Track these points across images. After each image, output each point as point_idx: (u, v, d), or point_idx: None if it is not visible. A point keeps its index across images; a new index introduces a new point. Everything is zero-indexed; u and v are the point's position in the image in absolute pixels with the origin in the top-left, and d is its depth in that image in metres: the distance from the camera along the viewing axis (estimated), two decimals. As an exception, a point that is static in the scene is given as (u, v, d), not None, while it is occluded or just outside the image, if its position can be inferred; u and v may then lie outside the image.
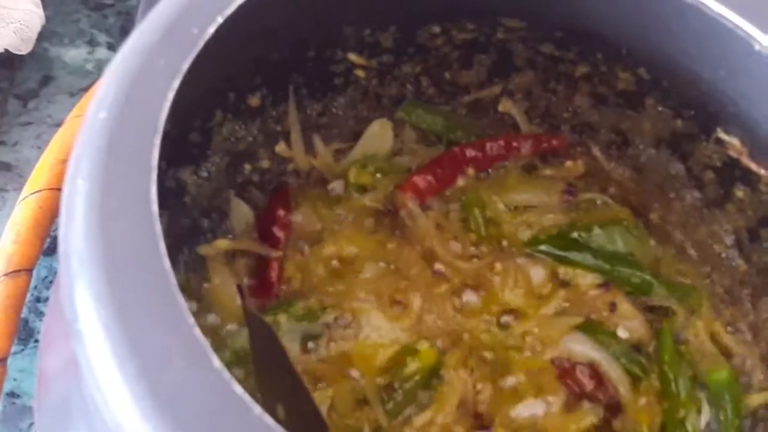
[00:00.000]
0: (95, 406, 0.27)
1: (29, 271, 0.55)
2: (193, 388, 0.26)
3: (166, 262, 0.28)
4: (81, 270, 0.28)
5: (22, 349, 0.58)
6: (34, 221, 0.56)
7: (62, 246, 0.29)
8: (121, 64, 0.32)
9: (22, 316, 0.56)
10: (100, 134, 0.30)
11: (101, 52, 0.74)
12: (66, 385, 0.34)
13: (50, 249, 0.62)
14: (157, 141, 0.30)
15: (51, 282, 0.61)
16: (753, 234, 0.47)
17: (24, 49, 0.69)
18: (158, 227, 0.29)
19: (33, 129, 0.68)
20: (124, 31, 0.75)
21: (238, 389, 0.26)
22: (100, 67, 0.72)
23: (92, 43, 0.74)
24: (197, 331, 0.27)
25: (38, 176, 0.59)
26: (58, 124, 0.64)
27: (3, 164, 0.66)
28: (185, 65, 0.32)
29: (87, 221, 0.29)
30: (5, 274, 0.54)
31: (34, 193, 0.58)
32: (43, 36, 0.72)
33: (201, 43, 0.33)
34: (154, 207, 0.29)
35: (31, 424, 0.55)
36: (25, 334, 0.59)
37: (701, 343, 0.48)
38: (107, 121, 0.31)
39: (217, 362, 0.26)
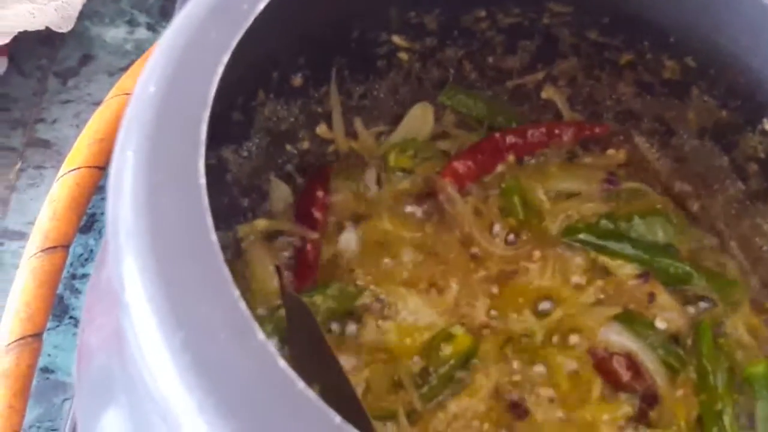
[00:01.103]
0: (139, 377, 0.27)
1: (66, 247, 0.56)
2: (237, 361, 0.26)
3: (213, 236, 0.28)
4: (128, 242, 0.28)
5: (57, 325, 0.59)
6: (71, 199, 0.57)
7: (110, 218, 0.29)
8: (170, 38, 0.32)
9: (58, 292, 0.56)
10: (149, 108, 0.30)
11: (141, 32, 0.74)
12: (108, 358, 0.35)
13: (86, 227, 0.62)
14: (206, 115, 0.30)
15: (86, 259, 0.61)
16: (796, 228, 0.47)
17: (65, 27, 0.70)
18: (205, 201, 0.29)
19: (72, 107, 0.69)
20: (164, 12, 0.75)
21: (282, 363, 0.26)
22: (139, 47, 0.72)
23: (132, 23, 0.74)
24: (242, 305, 0.27)
25: (76, 154, 0.59)
26: (97, 103, 0.65)
27: (42, 141, 0.66)
28: (234, 40, 0.32)
29: (135, 193, 0.29)
30: (42, 250, 0.55)
31: (72, 170, 0.58)
32: (84, 15, 0.72)
33: (250, 19, 0.33)
34: (202, 181, 0.29)
35: (65, 399, 0.56)
36: (60, 310, 0.59)
37: (740, 337, 0.48)
38: (156, 94, 0.31)
39: (261, 335, 0.26)
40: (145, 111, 0.30)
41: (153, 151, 0.30)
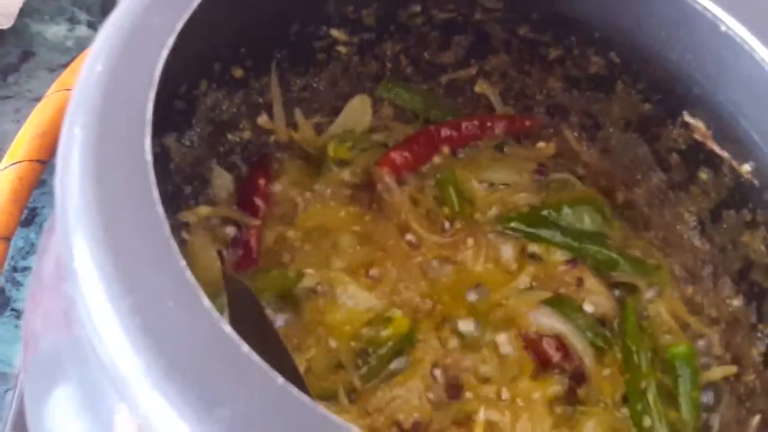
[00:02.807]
0: (89, 346, 0.28)
1: (7, 239, 0.56)
2: (184, 325, 0.27)
3: (160, 209, 0.29)
4: (77, 214, 0.29)
5: (-1, 317, 0.59)
6: (12, 192, 0.57)
7: (59, 190, 0.30)
8: (116, 20, 0.33)
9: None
10: (97, 86, 0.31)
11: (81, 29, 0.74)
12: (55, 337, 0.35)
13: (27, 220, 0.62)
14: (152, 95, 0.31)
15: (27, 252, 0.61)
16: (715, 215, 0.49)
17: (5, 24, 0.70)
18: (152, 176, 0.30)
19: (12, 103, 0.69)
20: (105, 10, 0.75)
21: (227, 328, 0.27)
22: (80, 44, 0.72)
23: (73, 20, 0.74)
24: (188, 273, 0.28)
25: (17, 148, 0.59)
26: (37, 99, 0.64)
27: (-19, 137, 0.66)
28: (179, 24, 0.33)
29: (83, 168, 0.30)
30: (-17, 243, 0.55)
31: (13, 164, 0.58)
32: (24, 12, 0.72)
33: (194, 5, 0.34)
34: (149, 157, 0.30)
35: (7, 390, 0.56)
36: (1, 302, 0.59)
37: (663, 319, 0.50)
38: (103, 73, 0.32)
39: (206, 302, 0.28)
40: (93, 89, 0.31)
41: (101, 128, 0.31)
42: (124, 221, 0.29)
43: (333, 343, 0.47)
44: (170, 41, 0.33)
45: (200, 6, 0.34)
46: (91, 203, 0.29)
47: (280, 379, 0.26)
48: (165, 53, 0.32)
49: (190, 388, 0.26)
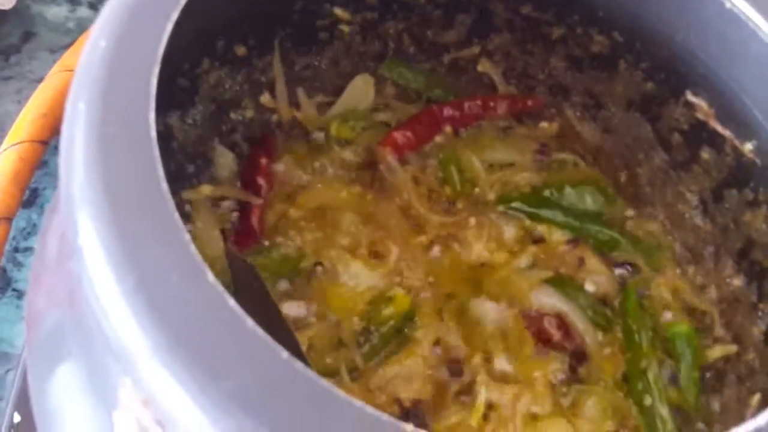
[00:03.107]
0: (93, 322, 0.28)
1: (9, 220, 0.56)
2: (189, 300, 0.27)
3: (164, 185, 0.29)
4: (82, 190, 0.29)
5: (0, 298, 0.59)
6: (14, 172, 0.57)
7: (63, 167, 0.30)
8: (120, -4, 0.33)
9: (1, 265, 0.57)
10: (100, 62, 0.31)
11: (82, 11, 0.74)
12: (59, 315, 0.35)
13: (29, 201, 0.62)
14: (156, 70, 0.31)
15: (29, 233, 0.61)
16: (717, 195, 0.49)
17: (7, 5, 0.70)
18: (156, 152, 0.30)
19: (14, 84, 0.69)
20: (105, -8, 0.75)
21: (231, 302, 0.27)
22: (81, 25, 0.72)
23: (74, 2, 0.74)
24: (192, 248, 0.28)
25: (19, 128, 0.59)
26: (39, 80, 0.65)
27: (-17, 117, 0.66)
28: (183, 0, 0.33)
29: (87, 143, 0.30)
30: (-15, 223, 0.55)
31: (15, 144, 0.58)
32: (26, -7, 0.72)
33: (199, -20, 0.34)
34: (153, 133, 0.30)
35: (8, 370, 0.56)
36: (2, 282, 0.59)
37: (664, 299, 0.51)
38: (107, 49, 0.32)
39: (211, 277, 0.28)
40: (97, 65, 0.31)
41: (104, 103, 0.31)
42: (129, 197, 0.29)
43: (335, 321, 0.48)
44: (174, 16, 0.33)
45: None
46: (95, 179, 0.29)
47: (285, 353, 0.27)
48: (169, 28, 0.32)
49: (194, 361, 0.26)
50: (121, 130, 0.30)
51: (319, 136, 0.53)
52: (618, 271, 0.51)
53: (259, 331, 0.27)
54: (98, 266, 0.28)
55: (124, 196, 0.29)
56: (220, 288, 0.28)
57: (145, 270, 0.27)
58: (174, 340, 0.26)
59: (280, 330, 0.43)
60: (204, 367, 0.26)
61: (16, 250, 0.61)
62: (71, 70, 0.62)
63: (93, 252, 0.28)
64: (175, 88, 0.44)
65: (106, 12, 0.33)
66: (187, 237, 0.28)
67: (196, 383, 0.26)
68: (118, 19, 0.32)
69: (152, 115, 0.31)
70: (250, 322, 0.27)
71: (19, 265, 0.60)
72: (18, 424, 0.51)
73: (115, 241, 0.28)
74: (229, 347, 0.26)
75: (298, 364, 0.27)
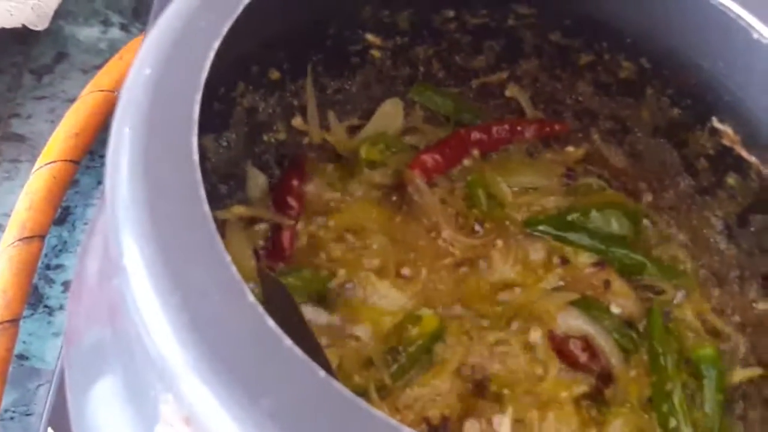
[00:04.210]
0: (136, 340, 0.29)
1: (42, 237, 0.57)
2: (230, 320, 0.28)
3: (206, 207, 0.30)
4: (126, 211, 0.30)
5: (32, 314, 0.60)
6: (47, 190, 0.59)
7: (108, 188, 0.31)
8: (164, 24, 0.34)
9: (33, 282, 0.58)
10: (145, 88, 0.32)
11: (114, 32, 0.75)
12: (99, 331, 0.36)
13: (60, 219, 0.63)
14: (198, 97, 0.32)
15: (60, 251, 0.63)
16: (742, 220, 0.50)
17: (40, 26, 0.71)
18: (199, 175, 0.31)
19: (46, 103, 0.70)
20: (137, 13, 0.76)
21: (271, 322, 0.28)
22: (112, 46, 0.74)
23: (106, 23, 0.75)
24: (234, 269, 0.29)
25: (52, 148, 0.61)
26: (71, 100, 0.66)
27: (17, 136, 0.67)
28: (225, 28, 0.34)
29: (132, 166, 0.31)
30: (19, 240, 0.56)
31: (48, 163, 0.60)
32: (58, 14, 0.73)
33: (239, 9, 0.35)
34: (195, 157, 0.31)
35: (39, 385, 0.57)
36: (34, 299, 0.60)
37: (689, 322, 0.51)
38: (152, 76, 0.33)
39: (251, 297, 0.28)
40: (141, 91, 0.32)
41: (149, 128, 0.32)
42: (172, 219, 0.30)
43: (364, 341, 0.48)
44: (216, 45, 0.34)
45: (244, 10, 0.35)
46: (140, 201, 0.30)
47: (322, 372, 0.27)
48: (211, 56, 0.33)
49: (235, 380, 0.27)
50: (164, 154, 0.31)
51: (349, 158, 0.54)
52: (644, 294, 0.52)
53: (297, 351, 0.28)
54: (142, 286, 0.28)
55: (168, 217, 0.30)
56: (260, 308, 0.28)
57: (187, 290, 0.28)
58: (215, 358, 0.27)
59: (312, 349, 0.43)
60: (244, 386, 0.27)
61: (47, 267, 0.62)
62: (103, 91, 0.63)
63: (137, 272, 0.29)
64: (211, 111, 0.45)
65: (150, 40, 0.34)
66: (228, 258, 0.29)
67: (235, 401, 0.26)
68: (162, 47, 0.33)
69: (195, 140, 0.32)
70: (288, 342, 0.28)
71: (50, 281, 0.61)
72: (52, 438, 0.52)
73: (159, 262, 0.29)
74: (268, 366, 0.27)
75: (336, 384, 0.27)
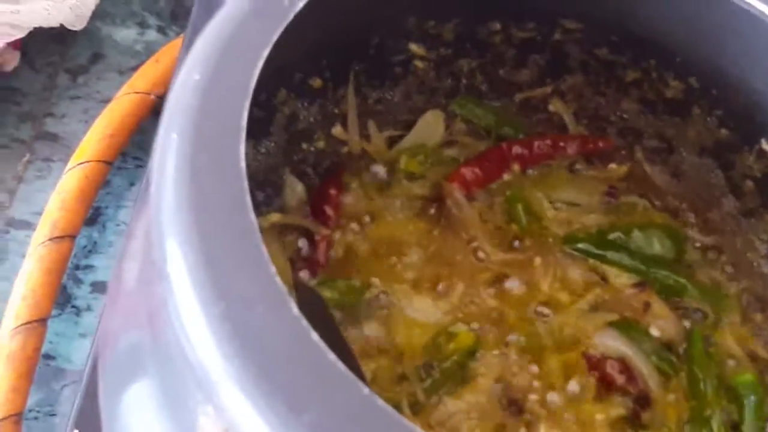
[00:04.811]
0: (176, 347, 0.28)
1: (72, 237, 0.57)
2: (273, 332, 0.28)
3: (252, 215, 0.30)
4: (172, 219, 0.29)
5: (60, 314, 0.59)
6: (79, 190, 0.58)
7: (154, 195, 0.31)
8: (214, 29, 0.34)
9: (62, 281, 0.58)
10: (194, 94, 0.32)
11: (151, 34, 0.75)
12: (137, 336, 0.36)
13: (91, 219, 0.63)
14: (247, 104, 0.32)
15: (90, 251, 0.62)
16: (787, 244, 0.49)
17: (78, 26, 0.71)
18: (245, 183, 0.30)
19: (81, 103, 0.70)
20: (174, 16, 0.76)
21: (315, 336, 0.28)
22: (149, 48, 0.73)
23: (143, 25, 0.75)
24: (278, 280, 0.29)
25: (86, 148, 0.61)
26: (106, 101, 0.66)
27: (51, 135, 0.67)
28: (275, 36, 0.34)
29: (178, 172, 0.30)
30: (50, 239, 0.56)
31: (81, 163, 0.60)
32: (96, 15, 0.73)
33: (290, 17, 0.34)
34: (242, 164, 0.31)
35: (64, 386, 0.57)
36: (62, 299, 0.60)
37: (729, 347, 0.50)
38: (200, 82, 0.32)
39: (295, 309, 0.28)
40: (190, 97, 0.32)
41: (196, 134, 0.31)
42: (218, 226, 0.29)
43: (398, 355, 0.48)
44: (265, 53, 0.33)
45: (294, 19, 0.35)
46: (185, 208, 0.30)
47: (366, 389, 0.27)
48: (260, 64, 0.33)
49: (277, 393, 0.26)
50: (211, 161, 0.31)
51: (389, 169, 0.53)
52: (684, 317, 0.51)
53: (341, 366, 0.27)
54: (185, 293, 0.28)
55: (213, 225, 0.29)
56: (304, 321, 0.28)
57: (231, 299, 0.28)
58: (257, 370, 0.27)
59: (347, 362, 0.43)
60: (286, 399, 0.26)
61: (76, 267, 0.62)
62: (139, 93, 0.63)
63: (180, 280, 0.28)
64: (251, 118, 0.45)
65: (199, 45, 0.34)
66: (273, 269, 0.29)
67: (277, 415, 0.26)
68: (211, 52, 0.33)
69: (242, 147, 0.31)
70: (332, 356, 0.28)
71: (78, 282, 0.61)
72: (78, 440, 0.52)
73: (203, 270, 0.28)
74: (311, 380, 0.27)
75: (380, 401, 0.27)
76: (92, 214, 0.63)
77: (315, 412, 0.26)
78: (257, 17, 0.34)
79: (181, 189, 0.30)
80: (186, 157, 0.31)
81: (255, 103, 0.44)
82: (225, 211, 0.30)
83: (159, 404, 0.34)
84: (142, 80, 0.65)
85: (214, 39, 0.34)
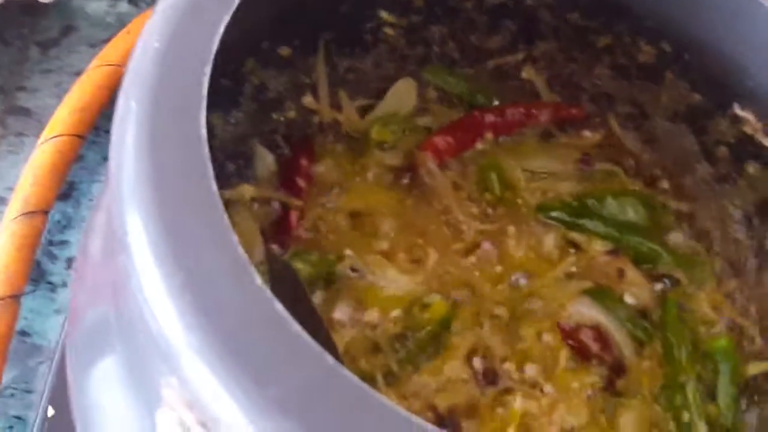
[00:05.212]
0: (139, 320, 0.28)
1: (45, 212, 0.57)
2: (236, 302, 0.27)
3: (213, 185, 0.29)
4: (132, 189, 0.29)
5: (34, 290, 0.59)
6: (52, 165, 0.58)
7: (113, 165, 0.30)
8: (173, -4, 0.33)
9: (35, 257, 0.57)
10: (153, 61, 0.31)
11: (122, 6, 0.74)
12: (103, 310, 0.36)
13: (65, 194, 0.62)
14: (208, 70, 0.32)
15: (64, 227, 0.62)
16: (761, 209, 0.49)
17: (48, -2, 0.70)
18: (206, 151, 0.30)
19: (53, 77, 0.69)
20: (146, -13, 0.75)
21: (279, 306, 0.27)
22: (120, 20, 0.72)
23: (114, -4, 0.74)
24: (240, 250, 0.28)
25: (57, 122, 0.60)
26: (78, 74, 0.65)
27: (23, 110, 0.67)
28: (236, 2, 0.33)
29: (138, 141, 0.30)
30: (22, 214, 0.56)
31: (53, 137, 0.59)
32: (67, -14, 0.72)
33: (251, -17, 0.34)
34: (203, 132, 0.30)
35: (40, 362, 0.56)
36: (37, 275, 0.60)
37: (704, 313, 0.50)
38: (159, 49, 0.32)
39: (258, 280, 0.28)
40: (149, 64, 0.31)
41: (156, 102, 0.31)
42: (179, 196, 0.29)
43: (371, 327, 0.47)
44: (226, 18, 0.33)
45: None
46: (145, 178, 0.29)
47: (331, 359, 0.26)
48: (221, 30, 0.32)
49: (240, 366, 0.26)
50: (172, 130, 0.30)
51: (360, 138, 0.53)
52: (658, 284, 0.51)
53: (305, 336, 0.27)
54: (146, 264, 0.28)
55: (174, 195, 0.29)
56: (268, 292, 0.27)
57: (192, 270, 0.27)
58: (220, 342, 0.26)
59: (319, 333, 0.43)
60: (249, 371, 0.26)
61: (50, 243, 0.61)
62: (110, 65, 0.62)
63: (141, 250, 0.28)
64: (219, 88, 0.44)
65: (158, 13, 0.33)
66: (235, 239, 0.28)
67: (240, 387, 0.26)
68: (170, 19, 0.32)
69: (203, 115, 0.31)
70: (296, 327, 0.27)
71: (53, 258, 0.60)
72: (52, 417, 0.51)
73: (164, 240, 0.28)
74: (275, 351, 0.26)
75: (345, 371, 0.26)
76: (66, 189, 0.63)
77: (280, 384, 0.26)
78: (217, -17, 0.34)
79: (140, 159, 0.29)
80: (145, 127, 0.30)
81: (222, 73, 0.44)
82: (186, 181, 0.29)
83: (125, 379, 0.33)
84: (113, 52, 0.64)
85: (174, 6, 0.33)
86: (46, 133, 0.60)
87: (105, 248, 0.36)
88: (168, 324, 0.27)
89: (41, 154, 0.58)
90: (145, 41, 0.32)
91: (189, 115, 0.31)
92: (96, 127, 0.63)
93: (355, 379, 0.26)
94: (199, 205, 0.29)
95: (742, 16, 0.40)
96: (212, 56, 0.32)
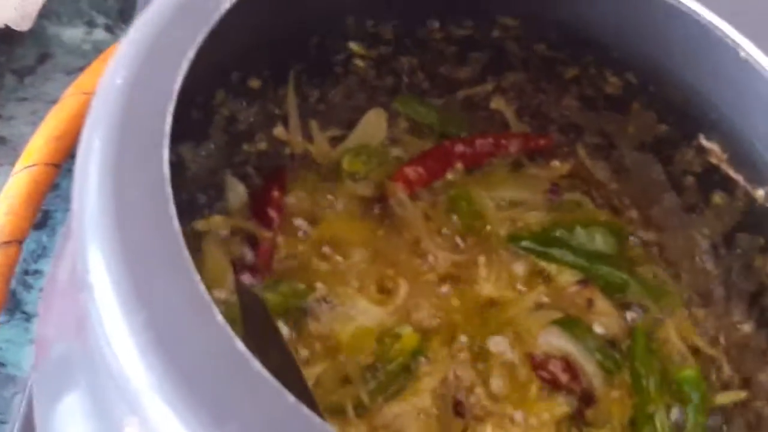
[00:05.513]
0: (101, 358, 0.28)
1: (20, 242, 0.56)
2: (197, 340, 0.27)
3: (176, 223, 0.29)
4: (94, 226, 0.29)
5: (9, 320, 0.59)
6: (26, 194, 0.57)
7: (76, 200, 0.30)
8: (138, 31, 0.33)
9: (11, 287, 0.57)
10: (116, 98, 0.32)
11: (99, 33, 0.74)
12: (67, 344, 0.35)
13: (40, 223, 0.62)
14: (171, 108, 0.32)
15: (39, 256, 0.62)
16: (728, 239, 0.49)
17: (24, 26, 0.70)
18: (169, 189, 0.30)
19: (28, 105, 0.69)
20: (123, 14, 0.75)
21: (239, 344, 0.27)
22: (97, 47, 0.73)
23: (91, 24, 0.74)
24: (202, 288, 0.28)
25: (32, 151, 0.60)
26: (54, 102, 0.65)
27: (-2, 138, 0.67)
28: (200, 37, 0.33)
29: (101, 178, 0.30)
30: (-4, 244, 0.55)
31: (28, 166, 0.58)
32: (42, 14, 0.72)
33: (216, 17, 0.34)
34: (166, 170, 0.30)
35: (15, 393, 0.56)
36: (12, 305, 0.59)
37: (672, 342, 0.50)
38: (123, 86, 0.32)
39: (219, 317, 0.28)
40: (112, 101, 0.31)
41: (119, 139, 0.31)
42: (140, 235, 0.29)
43: (342, 358, 0.47)
44: (191, 53, 0.33)
45: (222, 19, 0.35)
46: (107, 216, 0.29)
47: (291, 398, 0.27)
48: (185, 66, 0.33)
49: (200, 404, 0.26)
50: (134, 167, 0.30)
51: (331, 169, 0.53)
52: (627, 313, 0.51)
53: (266, 374, 0.27)
54: (107, 302, 0.28)
55: (136, 233, 0.29)
56: (229, 330, 0.28)
57: (153, 308, 0.27)
58: (180, 380, 0.26)
59: (288, 366, 0.43)
60: (210, 410, 0.26)
61: (26, 272, 0.61)
62: (86, 93, 0.62)
63: (102, 288, 0.28)
64: (189, 120, 0.44)
65: (122, 48, 0.33)
66: (197, 277, 0.28)
67: (201, 425, 0.25)
68: (134, 55, 0.33)
69: (166, 153, 0.31)
70: (257, 365, 0.27)
71: (28, 287, 0.60)
72: (25, 448, 0.51)
73: (125, 278, 0.28)
74: (235, 390, 0.26)
75: (305, 409, 0.26)
76: (41, 218, 0.62)
77: (240, 422, 0.26)
78: (183, 18, 0.34)
79: (103, 196, 0.29)
80: (108, 165, 0.30)
81: (192, 104, 0.44)
82: (148, 219, 0.29)
83: (89, 415, 0.33)
84: (89, 80, 0.64)
85: (138, 41, 0.33)
86: (22, 161, 0.59)
87: (71, 280, 0.36)
88: (129, 362, 0.27)
89: (16, 183, 0.58)
90: (110, 76, 0.33)
91: (152, 153, 0.31)
92: (72, 155, 0.63)
93: (316, 418, 0.26)
94: (161, 243, 0.29)
95: (705, 51, 0.41)
96: (176, 94, 0.32)
